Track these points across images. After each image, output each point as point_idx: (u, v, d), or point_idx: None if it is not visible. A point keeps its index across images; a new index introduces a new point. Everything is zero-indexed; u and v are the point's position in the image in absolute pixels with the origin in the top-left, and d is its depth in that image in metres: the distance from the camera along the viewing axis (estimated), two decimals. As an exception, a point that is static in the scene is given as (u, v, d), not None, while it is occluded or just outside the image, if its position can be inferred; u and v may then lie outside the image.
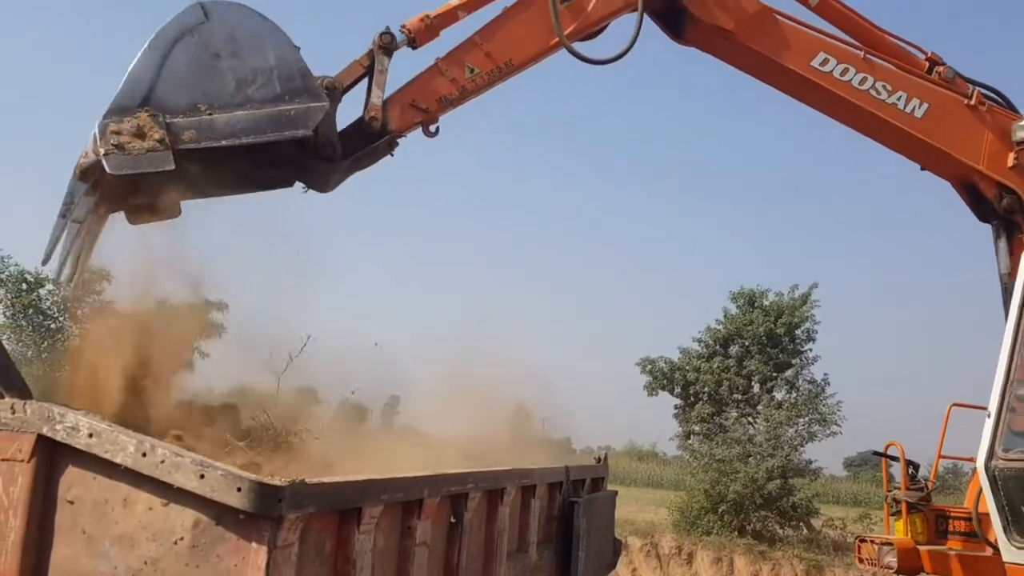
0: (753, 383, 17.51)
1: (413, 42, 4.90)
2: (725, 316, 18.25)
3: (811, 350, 17.56)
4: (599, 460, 5.33)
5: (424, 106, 4.90)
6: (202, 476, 2.04)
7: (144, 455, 2.08)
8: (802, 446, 16.43)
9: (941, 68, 5.49)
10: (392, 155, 5.04)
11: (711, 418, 17.06)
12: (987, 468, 4.52)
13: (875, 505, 23.27)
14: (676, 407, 18.36)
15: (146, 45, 3.82)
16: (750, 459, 15.90)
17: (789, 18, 5.38)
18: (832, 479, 16.78)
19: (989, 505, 4.56)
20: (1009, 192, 5.28)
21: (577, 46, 5.10)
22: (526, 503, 3.89)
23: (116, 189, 3.88)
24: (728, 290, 18.59)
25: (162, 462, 2.07)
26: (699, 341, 18.29)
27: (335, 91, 4.56)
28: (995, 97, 5.52)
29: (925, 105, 5.31)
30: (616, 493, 5.48)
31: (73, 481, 2.18)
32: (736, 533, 15.66)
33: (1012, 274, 5.07)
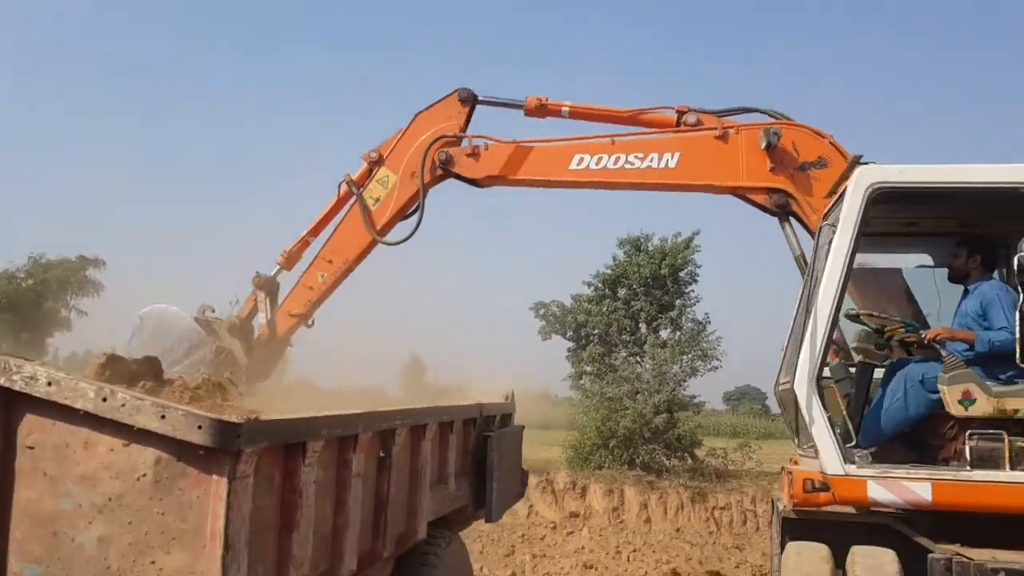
0: (640, 324, 18.24)
1: (287, 267, 6.96)
2: (614, 260, 18.88)
3: (693, 291, 18.46)
4: (507, 398, 5.64)
5: (296, 312, 6.79)
6: (163, 417, 2.19)
7: (104, 400, 2.21)
8: (685, 382, 17.34)
9: (687, 116, 6.14)
10: (292, 346, 7.09)
11: (601, 359, 17.70)
12: (775, 392, 5.20)
13: (753, 435, 24.76)
14: (568, 350, 18.98)
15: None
16: (638, 396, 16.65)
17: (541, 140, 6.28)
18: (713, 412, 17.75)
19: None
20: (776, 191, 5.85)
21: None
22: (444, 438, 4.15)
23: None
24: (615, 236, 19.21)
25: (123, 406, 2.21)
26: (589, 284, 18.90)
27: (244, 321, 6.86)
28: (766, 111, 6.14)
29: (677, 154, 5.96)
30: (523, 428, 5.81)
31: (32, 428, 2.28)
32: (626, 466, 16.42)
33: (804, 255, 5.64)
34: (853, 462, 4.76)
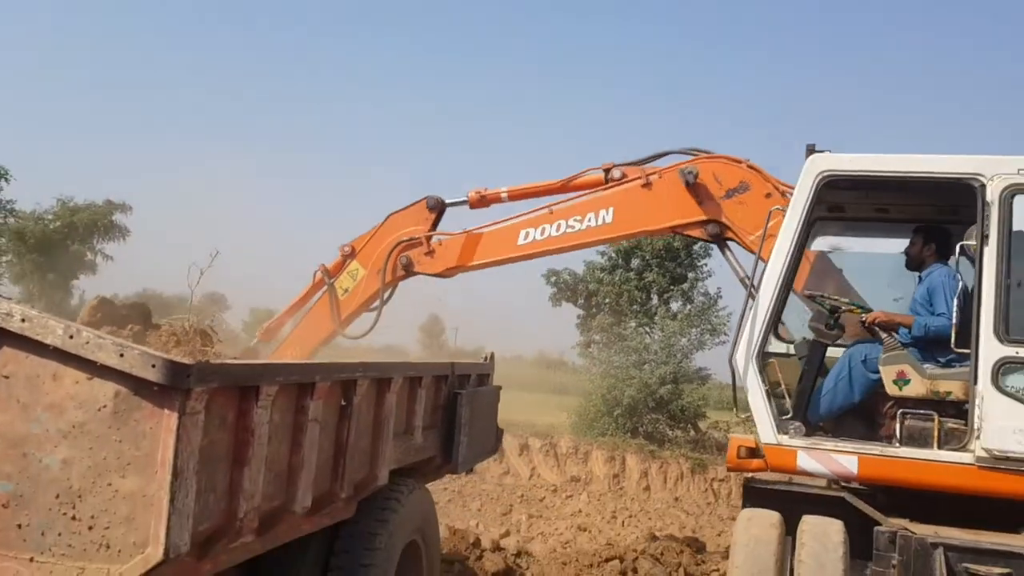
0: (652, 295, 18.43)
1: (265, 340, 7.29)
2: (629, 231, 18.96)
3: (706, 265, 18.58)
4: (486, 359, 5.88)
5: None
6: (122, 355, 2.44)
7: (71, 337, 2.46)
8: (693, 354, 17.53)
9: (612, 172, 6.45)
10: None
11: (611, 328, 17.92)
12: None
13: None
14: (579, 317, 19.22)
15: None
16: (645, 366, 16.86)
17: (488, 225, 6.66)
18: (719, 385, 17.89)
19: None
20: (708, 222, 6.08)
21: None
22: (413, 393, 4.39)
23: None
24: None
25: (87, 343, 2.46)
26: (603, 254, 19.06)
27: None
28: (681, 151, 6.37)
29: (611, 209, 6.26)
30: (500, 388, 6.04)
31: (7, 359, 2.54)
32: (629, 434, 16.68)
33: (748, 277, 5.74)
34: (786, 433, 5.00)
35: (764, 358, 5.19)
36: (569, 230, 6.31)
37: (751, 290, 5.38)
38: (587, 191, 6.46)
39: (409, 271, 6.75)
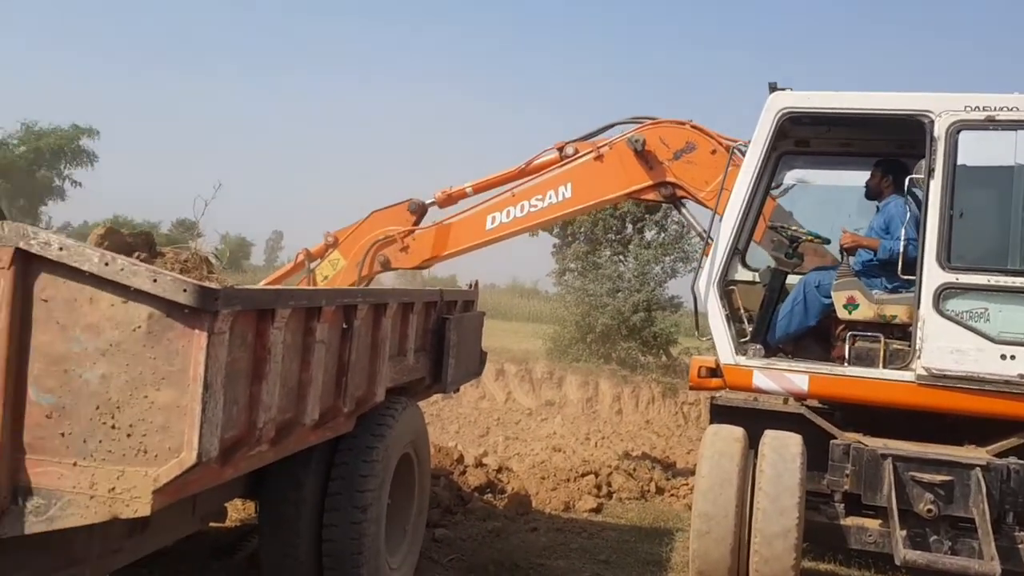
0: (627, 224, 18.68)
1: None
2: (604, 160, 19.11)
3: (680, 194, 18.78)
4: (470, 286, 6.17)
5: None
6: (155, 280, 2.68)
7: (107, 264, 2.70)
8: (666, 282, 17.91)
9: (565, 149, 6.82)
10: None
11: (586, 256, 18.21)
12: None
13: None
14: (554, 246, 19.47)
15: None
16: (619, 294, 17.23)
17: (456, 215, 7.03)
18: (690, 313, 18.26)
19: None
20: (661, 185, 6.47)
21: None
22: (406, 318, 4.68)
23: None
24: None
25: (122, 269, 2.69)
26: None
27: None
28: (628, 121, 6.72)
29: (569, 184, 6.64)
30: (484, 313, 6.35)
31: (46, 284, 2.76)
32: (602, 360, 17.13)
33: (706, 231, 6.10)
34: (744, 354, 5.40)
35: (728, 285, 5.54)
36: (532, 209, 6.71)
37: (707, 241, 5.72)
38: (545, 171, 6.80)
39: (386, 267, 7.13)
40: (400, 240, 7.00)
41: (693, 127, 6.39)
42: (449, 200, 7.24)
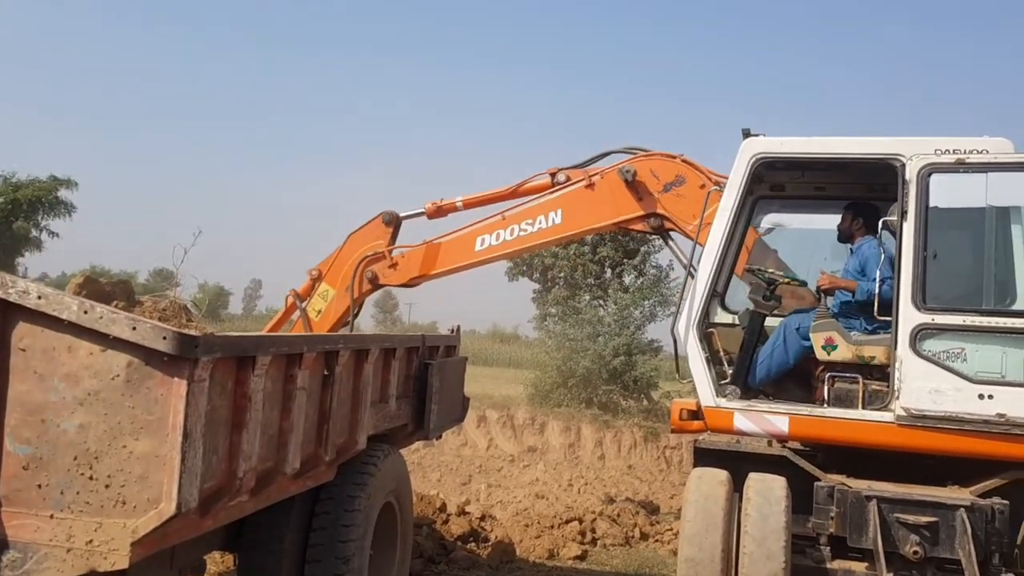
0: (606, 268, 18.81)
1: None
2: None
3: (657, 239, 18.94)
4: (452, 331, 6.15)
5: None
6: (134, 328, 2.67)
7: (86, 312, 2.68)
8: (645, 326, 17.97)
9: (557, 175, 6.82)
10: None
11: (566, 301, 18.28)
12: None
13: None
14: (534, 291, 19.55)
15: None
16: (599, 338, 17.27)
17: (446, 234, 6.97)
18: (670, 356, 18.31)
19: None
20: (650, 216, 6.49)
21: None
22: (387, 363, 4.66)
23: None
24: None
25: (101, 318, 2.68)
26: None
27: None
28: (621, 151, 6.75)
29: (559, 211, 6.63)
30: (466, 358, 6.34)
31: (24, 333, 2.74)
32: (584, 405, 17.09)
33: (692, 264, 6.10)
34: (724, 396, 5.41)
35: (708, 328, 5.56)
36: (522, 233, 6.68)
37: (690, 272, 5.75)
38: (536, 195, 6.81)
39: (375, 284, 7.05)
40: (388, 256, 6.96)
41: (684, 161, 6.44)
42: (439, 212, 7.19)
